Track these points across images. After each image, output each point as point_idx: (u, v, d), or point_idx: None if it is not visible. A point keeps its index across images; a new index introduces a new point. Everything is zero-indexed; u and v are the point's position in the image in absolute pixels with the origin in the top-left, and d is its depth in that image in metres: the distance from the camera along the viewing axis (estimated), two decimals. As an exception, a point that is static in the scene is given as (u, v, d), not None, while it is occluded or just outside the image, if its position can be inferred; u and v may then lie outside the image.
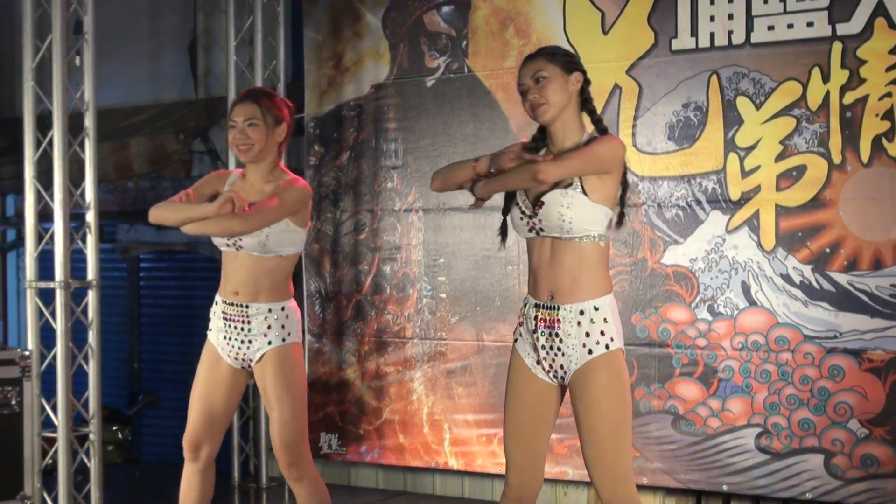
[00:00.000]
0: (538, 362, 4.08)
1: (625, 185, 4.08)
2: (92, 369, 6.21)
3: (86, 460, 6.21)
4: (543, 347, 4.04)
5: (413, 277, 6.89)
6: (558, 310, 3.99)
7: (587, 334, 3.96)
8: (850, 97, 5.69)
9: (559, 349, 4.01)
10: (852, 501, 5.72)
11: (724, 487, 6.01)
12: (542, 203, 4.00)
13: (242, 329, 4.65)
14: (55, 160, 6.08)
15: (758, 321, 5.91)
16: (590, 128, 4.14)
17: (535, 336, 4.06)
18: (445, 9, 6.80)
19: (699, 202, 6.04)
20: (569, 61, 4.11)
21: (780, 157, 5.85)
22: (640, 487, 6.12)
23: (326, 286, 7.14)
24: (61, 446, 6.06)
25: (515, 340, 4.19)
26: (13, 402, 6.21)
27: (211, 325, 4.78)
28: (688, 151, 6.08)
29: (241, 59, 7.33)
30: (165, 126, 8.16)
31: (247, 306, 4.64)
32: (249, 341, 4.65)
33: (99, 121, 6.30)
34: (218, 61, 8.24)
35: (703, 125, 6.03)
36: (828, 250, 5.75)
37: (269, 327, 4.63)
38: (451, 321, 6.77)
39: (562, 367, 4.02)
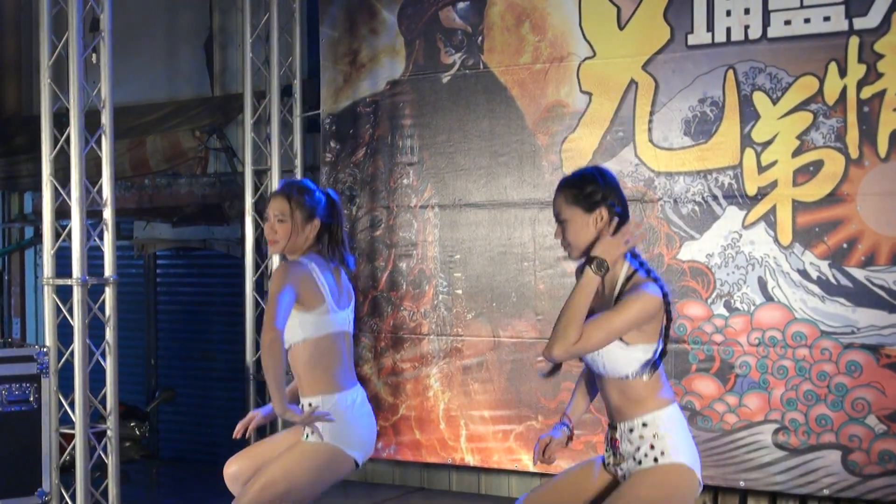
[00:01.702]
0: (605, 464, 4.06)
1: (668, 318, 3.94)
2: (109, 366, 6.23)
3: (103, 456, 6.22)
4: (609, 465, 4.02)
5: (429, 274, 6.89)
6: (616, 428, 3.98)
7: (637, 448, 3.92)
8: (867, 92, 5.67)
9: (619, 466, 3.98)
10: (870, 497, 5.70)
11: (741, 484, 6.00)
12: None
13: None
14: (72, 158, 6.09)
15: (775, 317, 5.89)
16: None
17: (607, 455, 4.05)
18: (461, 5, 6.79)
19: (715, 197, 6.03)
20: (591, 201, 3.88)
21: (796, 153, 5.84)
22: (657, 483, 6.11)
23: (343, 283, 7.14)
24: (79, 443, 6.07)
25: None
26: (31, 399, 6.23)
27: None
28: (704, 147, 6.07)
29: (258, 56, 7.35)
30: (182, 123, 8.17)
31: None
32: (304, 435, 4.56)
33: (116, 118, 6.31)
34: (234, 58, 8.26)
35: (719, 120, 6.01)
36: (845, 245, 5.73)
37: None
38: (467, 317, 6.77)
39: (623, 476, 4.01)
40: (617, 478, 4.01)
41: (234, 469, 4.76)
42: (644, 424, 3.90)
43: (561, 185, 3.96)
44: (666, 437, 3.90)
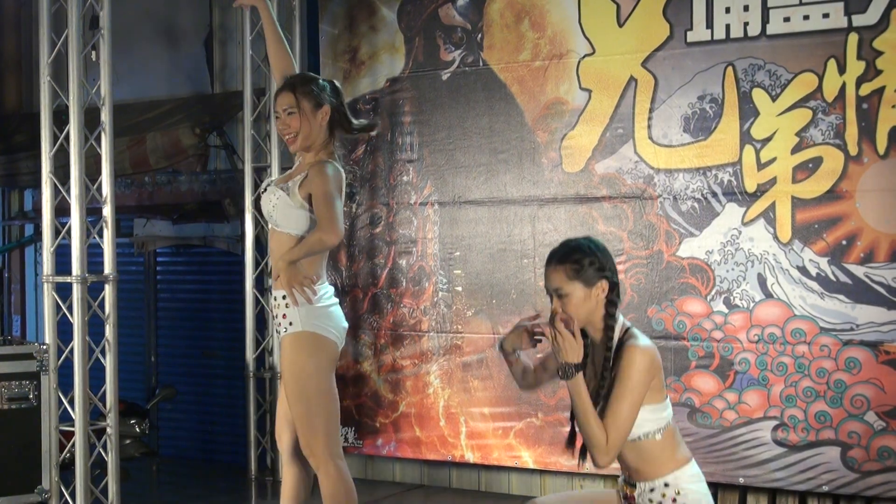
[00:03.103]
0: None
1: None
2: (109, 363, 6.23)
3: (103, 454, 6.23)
4: None
5: (429, 271, 6.89)
6: (635, 486, 3.96)
7: None
8: (866, 88, 5.67)
9: None
10: (869, 494, 5.70)
11: (741, 480, 6.00)
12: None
13: (275, 318, 4.69)
14: (72, 155, 6.10)
15: (774, 313, 5.89)
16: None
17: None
18: (460, 2, 6.79)
19: (715, 194, 6.03)
20: (592, 273, 3.89)
21: (796, 149, 5.84)
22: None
23: (343, 279, 7.15)
24: (78, 440, 6.08)
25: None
26: (31, 396, 6.24)
27: None
28: (703, 144, 6.07)
29: (257, 53, 7.34)
30: (181, 120, 8.17)
31: (273, 293, 4.67)
32: (283, 330, 4.65)
33: (115, 116, 6.31)
34: (234, 56, 8.25)
35: (718, 117, 6.01)
36: (844, 242, 5.73)
37: (283, 316, 4.61)
38: (467, 314, 6.77)
39: None
40: None
41: (285, 439, 4.81)
42: (666, 485, 3.91)
43: (556, 259, 3.93)
44: (689, 495, 3.91)
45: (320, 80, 4.71)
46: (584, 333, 3.97)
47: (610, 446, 3.78)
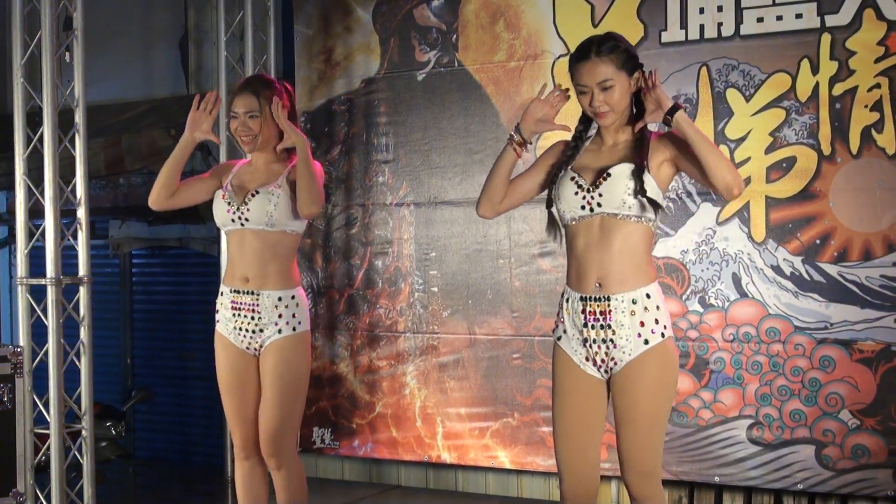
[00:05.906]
0: (587, 358, 3.88)
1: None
2: (84, 365, 6.21)
3: (78, 457, 6.21)
4: (595, 342, 3.84)
5: (405, 271, 6.89)
6: (609, 300, 3.80)
7: (642, 323, 3.79)
8: (839, 88, 5.70)
9: (612, 341, 3.81)
10: (844, 492, 5.73)
11: (716, 479, 6.02)
12: (609, 175, 3.82)
13: (253, 318, 4.67)
14: (45, 157, 6.08)
15: (749, 313, 5.92)
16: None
17: (584, 331, 3.86)
18: (435, 3, 6.80)
19: (689, 194, 6.05)
20: (633, 63, 3.85)
21: (769, 149, 5.86)
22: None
23: (318, 280, 7.14)
24: (53, 443, 6.05)
25: (559, 338, 3.97)
26: (5, 399, 6.20)
27: (218, 317, 4.77)
28: (678, 144, 6.08)
29: (232, 54, 7.33)
30: (157, 122, 8.14)
31: (257, 294, 4.65)
32: (261, 330, 4.67)
33: (90, 117, 6.29)
34: (209, 56, 8.23)
35: (693, 117, 6.02)
36: (818, 241, 5.76)
37: (280, 316, 4.65)
38: (443, 315, 6.78)
39: (613, 359, 3.83)
40: (604, 363, 3.85)
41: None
42: (648, 296, 3.83)
43: (604, 49, 3.83)
44: (664, 309, 3.87)
45: (276, 84, 4.77)
46: (580, 136, 4.01)
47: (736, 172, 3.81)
